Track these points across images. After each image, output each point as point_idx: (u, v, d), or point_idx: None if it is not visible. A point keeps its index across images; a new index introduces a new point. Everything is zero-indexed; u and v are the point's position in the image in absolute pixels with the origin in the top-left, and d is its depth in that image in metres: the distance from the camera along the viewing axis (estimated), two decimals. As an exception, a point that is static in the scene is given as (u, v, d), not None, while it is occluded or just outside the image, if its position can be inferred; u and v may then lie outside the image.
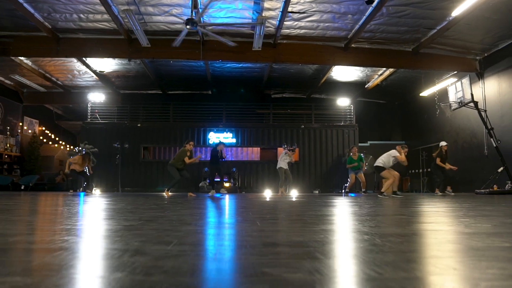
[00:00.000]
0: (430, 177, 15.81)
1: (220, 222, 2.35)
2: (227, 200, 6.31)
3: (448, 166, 11.37)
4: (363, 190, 12.70)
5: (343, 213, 3.15)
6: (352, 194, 8.98)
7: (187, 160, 10.53)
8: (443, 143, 11.63)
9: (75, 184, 12.45)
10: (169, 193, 10.84)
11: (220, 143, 12.17)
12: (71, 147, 19.18)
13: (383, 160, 9.37)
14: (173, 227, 2.03)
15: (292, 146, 15.53)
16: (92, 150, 15.52)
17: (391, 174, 9.24)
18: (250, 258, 1.15)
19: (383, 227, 2.04)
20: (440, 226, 2.14)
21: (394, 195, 9.01)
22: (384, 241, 1.51)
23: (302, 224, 2.20)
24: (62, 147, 20.19)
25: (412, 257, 1.17)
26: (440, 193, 11.08)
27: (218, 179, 15.57)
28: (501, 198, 7.49)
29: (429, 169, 15.02)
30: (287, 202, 5.81)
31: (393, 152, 9.32)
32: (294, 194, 12.65)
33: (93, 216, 2.84)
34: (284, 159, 12.40)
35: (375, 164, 9.58)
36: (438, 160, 11.39)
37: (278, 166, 12.48)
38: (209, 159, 12.48)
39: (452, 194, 11.21)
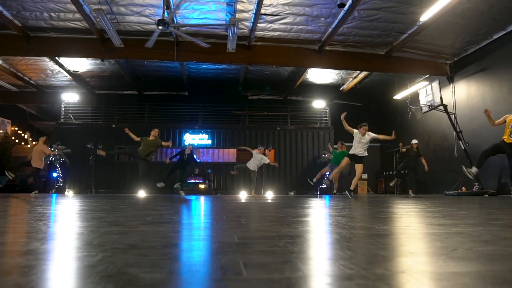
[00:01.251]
0: (403, 179, 16.04)
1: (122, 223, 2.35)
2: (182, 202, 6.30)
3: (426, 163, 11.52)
4: (334, 191, 12.78)
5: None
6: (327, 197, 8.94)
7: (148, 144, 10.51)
8: (414, 141, 11.82)
9: (36, 182, 12.13)
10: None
11: (189, 144, 12.49)
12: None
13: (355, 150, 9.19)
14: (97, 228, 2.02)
15: (267, 147, 15.59)
16: (65, 151, 15.31)
17: (360, 171, 9.16)
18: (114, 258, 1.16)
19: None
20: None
21: (347, 193, 8.97)
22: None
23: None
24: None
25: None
26: (413, 194, 11.22)
27: (193, 180, 15.56)
28: (468, 199, 7.65)
29: (402, 171, 15.25)
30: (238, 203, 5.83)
31: (356, 133, 9.20)
32: (268, 195, 12.67)
33: (22, 216, 2.80)
34: (255, 159, 12.38)
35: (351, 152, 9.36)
36: (402, 149, 11.59)
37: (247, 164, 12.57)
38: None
39: (412, 195, 11.44)
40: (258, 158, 12.19)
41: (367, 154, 9.25)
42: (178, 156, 12.33)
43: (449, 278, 0.94)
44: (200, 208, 4.42)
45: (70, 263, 1.12)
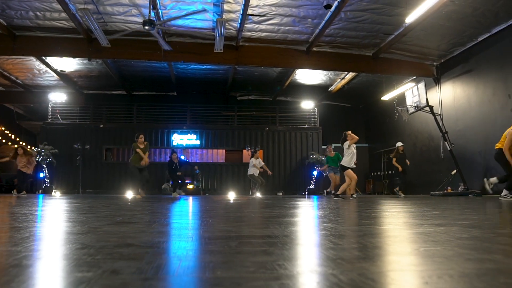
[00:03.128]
0: (390, 179, 16.16)
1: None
2: (172, 202, 6.29)
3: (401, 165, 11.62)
4: (332, 191, 12.77)
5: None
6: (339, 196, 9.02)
7: (140, 152, 9.92)
8: (399, 144, 11.91)
9: (22, 185, 12.07)
10: (143, 194, 10.38)
11: (173, 152, 12.41)
12: (32, 147, 18.66)
13: (345, 159, 9.48)
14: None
15: (255, 148, 15.62)
16: (52, 151, 15.19)
17: (350, 176, 9.32)
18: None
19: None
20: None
21: (351, 197, 9.13)
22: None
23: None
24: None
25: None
26: (403, 195, 11.32)
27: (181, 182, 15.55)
28: (453, 199, 7.73)
29: (389, 172, 15.38)
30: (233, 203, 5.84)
31: (346, 144, 9.40)
32: (258, 196, 12.69)
33: None
34: (253, 165, 12.68)
35: (341, 163, 9.74)
36: (394, 160, 11.67)
37: (249, 173, 12.77)
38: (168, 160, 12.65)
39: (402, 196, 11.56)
40: (257, 164, 12.59)
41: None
42: (170, 167, 12.36)
43: (376, 277, 0.96)
44: (178, 209, 4.41)
45: (4, 265, 1.12)
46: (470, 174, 11.71)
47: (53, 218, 2.85)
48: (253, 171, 12.63)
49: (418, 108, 12.58)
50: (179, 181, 12.45)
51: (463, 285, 0.87)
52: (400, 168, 11.56)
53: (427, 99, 12.10)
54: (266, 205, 5.32)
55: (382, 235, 1.86)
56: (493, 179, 7.53)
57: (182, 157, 16.48)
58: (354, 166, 9.43)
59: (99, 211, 3.71)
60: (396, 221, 2.64)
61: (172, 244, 1.51)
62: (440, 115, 12.85)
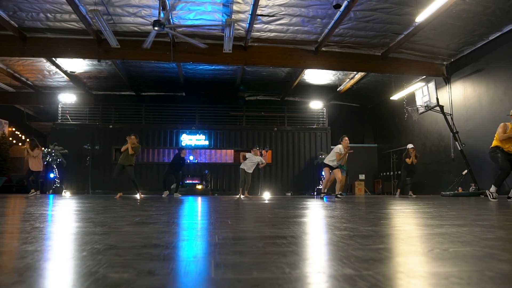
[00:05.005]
0: (399, 180, 16.06)
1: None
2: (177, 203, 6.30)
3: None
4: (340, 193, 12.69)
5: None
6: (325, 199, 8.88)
7: (126, 146, 10.02)
8: (410, 146, 11.84)
9: (29, 183, 12.10)
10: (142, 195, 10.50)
11: (182, 148, 12.47)
12: (42, 148, 18.78)
13: (329, 158, 9.52)
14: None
15: (264, 148, 15.61)
16: (62, 152, 15.30)
17: (339, 176, 9.30)
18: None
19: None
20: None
21: (336, 197, 9.09)
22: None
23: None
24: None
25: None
26: (414, 195, 11.27)
27: (190, 181, 15.62)
28: (464, 200, 7.67)
29: (399, 172, 15.28)
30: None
31: (336, 148, 9.38)
32: (265, 196, 12.66)
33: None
34: (250, 161, 12.20)
35: (324, 161, 9.71)
36: (409, 160, 11.63)
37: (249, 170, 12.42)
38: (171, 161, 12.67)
39: (398, 196, 11.51)
40: (253, 160, 11.92)
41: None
42: (176, 161, 12.38)
43: (416, 279, 0.95)
44: (191, 209, 4.42)
45: (42, 264, 1.12)
46: (481, 174, 11.61)
47: (71, 218, 2.86)
48: (248, 166, 12.15)
49: (428, 107, 12.49)
50: (180, 183, 12.60)
51: (509, 286, 0.86)
52: (414, 162, 11.54)
53: (437, 99, 12.01)
54: (278, 205, 5.31)
55: (405, 235, 1.84)
56: (492, 189, 7.34)
57: (191, 158, 16.56)
58: (336, 164, 9.37)
59: (114, 211, 3.72)
60: (415, 222, 2.62)
61: (197, 245, 1.51)
62: (450, 114, 12.76)
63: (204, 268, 1.05)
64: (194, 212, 3.70)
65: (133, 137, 10.28)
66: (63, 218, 2.91)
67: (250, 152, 12.16)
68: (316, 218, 2.95)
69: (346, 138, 9.47)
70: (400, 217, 3.13)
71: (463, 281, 0.92)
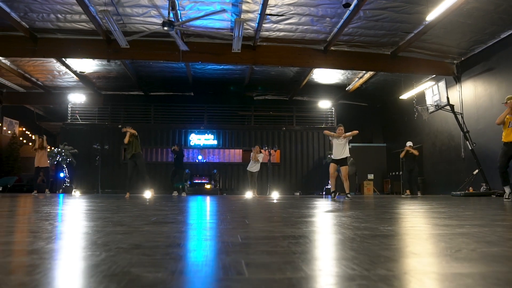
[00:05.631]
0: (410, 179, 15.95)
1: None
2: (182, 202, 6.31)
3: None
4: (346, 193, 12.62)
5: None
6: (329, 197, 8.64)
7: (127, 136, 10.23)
8: (409, 143, 11.83)
9: (35, 183, 12.26)
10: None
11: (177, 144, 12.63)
12: (52, 147, 18.94)
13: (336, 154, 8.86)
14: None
15: (273, 148, 15.61)
16: (72, 151, 15.41)
17: (344, 172, 8.90)
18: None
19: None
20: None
21: (346, 197, 8.80)
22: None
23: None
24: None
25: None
26: (410, 194, 11.18)
27: (199, 181, 15.67)
28: (475, 200, 7.61)
29: (397, 173, 15.18)
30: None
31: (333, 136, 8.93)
32: (274, 195, 12.66)
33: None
34: (254, 162, 12.53)
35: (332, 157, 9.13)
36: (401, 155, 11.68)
37: (255, 170, 12.64)
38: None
39: (409, 196, 11.38)
40: (260, 158, 12.37)
41: (349, 155, 8.88)
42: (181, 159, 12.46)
43: (452, 279, 0.94)
44: (205, 208, 4.42)
45: (74, 262, 1.13)
46: (492, 174, 11.49)
47: (88, 217, 2.88)
48: (254, 167, 12.44)
49: (438, 107, 12.40)
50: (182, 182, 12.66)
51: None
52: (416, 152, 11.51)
53: (448, 98, 11.92)
54: (290, 205, 5.30)
55: (426, 235, 1.83)
56: (507, 190, 7.20)
57: (200, 157, 16.61)
58: (336, 158, 8.79)
59: (129, 210, 3.74)
60: (433, 221, 2.59)
61: (221, 245, 1.51)
62: (460, 113, 12.65)
63: (236, 268, 1.05)
64: (209, 212, 3.71)
65: (128, 128, 10.40)
66: (80, 217, 2.92)
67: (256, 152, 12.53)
68: (332, 218, 2.94)
69: (341, 128, 8.87)
70: (416, 216, 3.10)
71: (501, 281, 0.91)
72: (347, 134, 8.64)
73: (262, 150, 12.88)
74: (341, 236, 1.73)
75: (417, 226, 2.33)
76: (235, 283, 0.90)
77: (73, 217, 2.92)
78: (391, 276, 0.96)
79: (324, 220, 2.75)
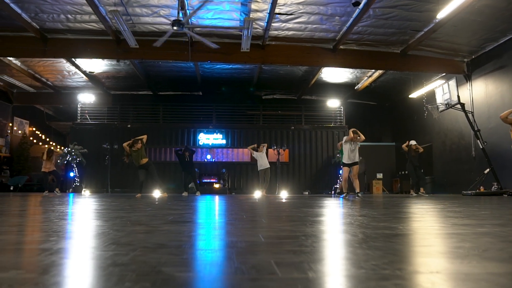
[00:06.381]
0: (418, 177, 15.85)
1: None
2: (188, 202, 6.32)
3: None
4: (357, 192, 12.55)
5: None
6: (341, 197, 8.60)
7: (126, 147, 10.27)
8: (412, 142, 11.72)
9: (46, 184, 12.54)
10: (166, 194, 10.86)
11: (186, 148, 12.59)
12: (62, 147, 19.08)
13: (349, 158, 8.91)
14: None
15: (282, 147, 15.61)
16: (82, 151, 15.50)
17: (354, 171, 8.92)
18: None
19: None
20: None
21: (357, 196, 8.75)
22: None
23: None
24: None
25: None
26: (415, 194, 11.08)
27: (208, 180, 15.69)
28: (487, 199, 7.54)
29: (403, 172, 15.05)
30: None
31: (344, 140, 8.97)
32: (282, 195, 12.65)
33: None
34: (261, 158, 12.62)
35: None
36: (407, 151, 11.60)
37: (266, 167, 12.64)
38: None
39: (426, 195, 11.22)
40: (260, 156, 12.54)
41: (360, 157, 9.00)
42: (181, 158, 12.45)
43: (487, 278, 0.92)
44: (218, 208, 4.43)
45: (102, 262, 1.13)
46: (504, 173, 11.40)
47: (105, 217, 2.89)
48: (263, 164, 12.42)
49: (449, 105, 12.31)
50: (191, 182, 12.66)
51: None
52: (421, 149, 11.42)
53: (458, 96, 11.82)
54: (301, 205, 5.28)
55: (448, 234, 1.81)
56: None
57: (208, 157, 16.65)
58: (349, 162, 8.84)
59: (143, 209, 3.75)
60: (451, 221, 2.57)
61: (245, 244, 1.50)
62: (471, 112, 12.54)
63: (266, 268, 1.05)
64: (223, 211, 3.71)
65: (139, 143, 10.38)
66: (97, 216, 2.93)
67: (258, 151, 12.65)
68: (347, 217, 2.93)
69: (350, 132, 8.94)
70: (432, 216, 3.08)
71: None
72: (361, 137, 8.68)
73: (261, 148, 12.95)
74: (363, 236, 1.71)
75: (435, 225, 2.31)
76: (271, 282, 0.89)
77: (89, 217, 2.93)
78: (424, 276, 0.95)
79: (341, 219, 2.73)
